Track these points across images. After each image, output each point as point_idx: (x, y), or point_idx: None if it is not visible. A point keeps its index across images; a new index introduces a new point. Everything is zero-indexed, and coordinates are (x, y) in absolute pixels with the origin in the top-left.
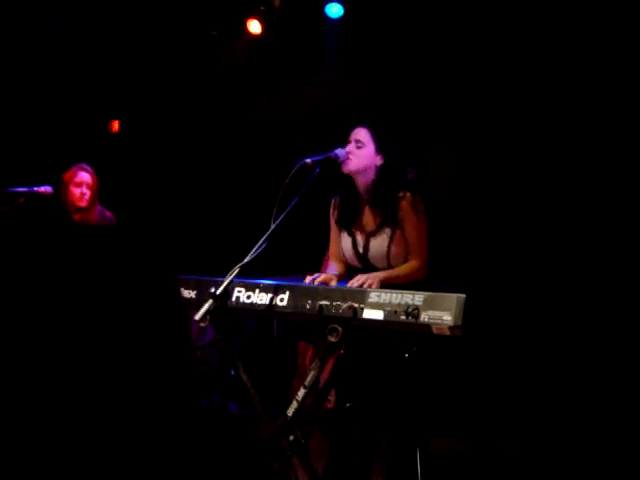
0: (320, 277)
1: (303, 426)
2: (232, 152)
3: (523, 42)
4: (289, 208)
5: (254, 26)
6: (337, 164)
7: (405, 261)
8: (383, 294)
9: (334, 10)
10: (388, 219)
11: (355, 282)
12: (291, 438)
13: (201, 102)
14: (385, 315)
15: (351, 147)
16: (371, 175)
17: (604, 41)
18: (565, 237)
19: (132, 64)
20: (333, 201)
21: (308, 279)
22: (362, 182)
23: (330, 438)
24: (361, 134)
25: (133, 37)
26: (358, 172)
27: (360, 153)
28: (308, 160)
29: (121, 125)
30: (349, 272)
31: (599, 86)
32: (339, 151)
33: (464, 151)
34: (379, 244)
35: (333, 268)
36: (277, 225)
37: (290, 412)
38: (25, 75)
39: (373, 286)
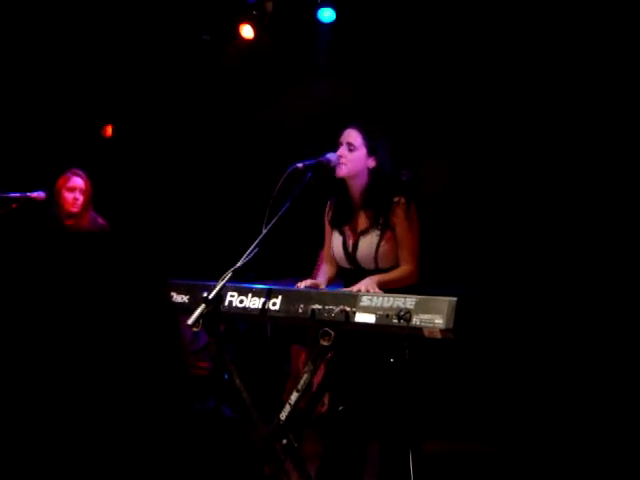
0: (307, 283)
1: (296, 430)
2: (224, 156)
3: (515, 45)
4: (281, 212)
5: (247, 31)
6: (329, 168)
7: (394, 263)
8: (375, 298)
9: (326, 15)
10: (379, 220)
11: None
12: (284, 442)
13: (194, 107)
14: (377, 319)
15: (343, 150)
16: (364, 178)
17: (600, 44)
18: (557, 239)
19: (125, 69)
20: (329, 203)
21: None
22: (355, 186)
23: (323, 442)
24: (352, 136)
25: (126, 42)
26: (350, 177)
27: (352, 157)
28: (300, 165)
29: (114, 130)
30: (340, 274)
31: (594, 90)
32: (331, 155)
33: (456, 155)
34: (368, 244)
35: (324, 271)
36: (269, 229)
37: (283, 416)
38: (19, 81)
39: (371, 291)
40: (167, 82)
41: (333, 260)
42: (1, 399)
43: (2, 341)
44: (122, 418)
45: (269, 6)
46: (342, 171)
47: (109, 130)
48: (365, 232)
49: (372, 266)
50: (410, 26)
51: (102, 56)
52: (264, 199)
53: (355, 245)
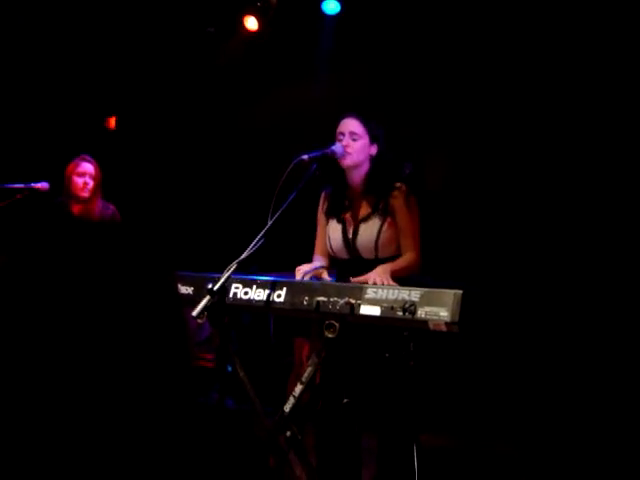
0: (310, 272)
1: (300, 422)
2: (229, 148)
3: (518, 39)
4: (286, 204)
5: (251, 22)
6: (334, 160)
7: (393, 252)
8: (380, 290)
9: (331, 7)
10: (380, 207)
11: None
12: (288, 434)
13: (198, 98)
14: (382, 311)
15: (347, 140)
16: (365, 166)
17: (600, 42)
18: (561, 232)
19: (128, 60)
20: (323, 194)
21: (298, 272)
22: (356, 174)
23: (316, 434)
24: (353, 125)
25: (130, 33)
26: (354, 166)
27: (357, 146)
28: (305, 157)
29: (118, 122)
30: (334, 265)
31: (594, 83)
32: (336, 147)
33: (458, 148)
34: (369, 231)
35: (318, 261)
36: (274, 221)
37: (287, 408)
38: (23, 72)
39: (385, 281)
40: (171, 74)
41: (326, 252)
42: (6, 385)
43: (8, 330)
44: (126, 409)
45: None
46: (348, 161)
47: (113, 122)
48: (366, 219)
49: (372, 255)
50: (415, 18)
51: (106, 48)
52: (269, 191)
53: (355, 232)
